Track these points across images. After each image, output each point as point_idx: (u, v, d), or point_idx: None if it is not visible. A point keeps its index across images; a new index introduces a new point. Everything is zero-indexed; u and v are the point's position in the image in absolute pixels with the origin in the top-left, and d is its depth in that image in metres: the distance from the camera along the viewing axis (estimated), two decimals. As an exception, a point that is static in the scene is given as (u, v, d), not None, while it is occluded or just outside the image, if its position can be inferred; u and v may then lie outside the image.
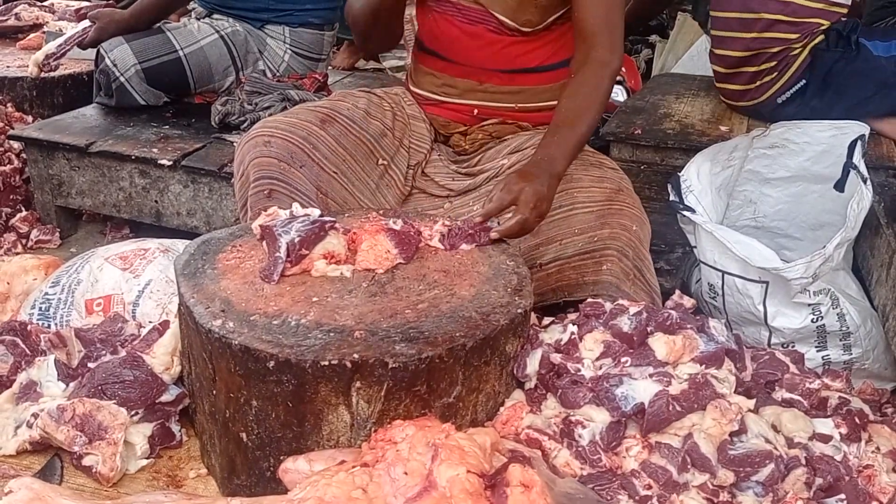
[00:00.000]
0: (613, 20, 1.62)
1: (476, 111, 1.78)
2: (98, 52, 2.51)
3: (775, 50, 2.42)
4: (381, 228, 1.39)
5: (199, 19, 2.70)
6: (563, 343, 1.33)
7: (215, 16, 2.70)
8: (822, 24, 2.38)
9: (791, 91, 2.45)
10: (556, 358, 1.28)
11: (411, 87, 1.87)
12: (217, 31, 2.61)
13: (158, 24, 2.63)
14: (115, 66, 2.47)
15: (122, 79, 2.48)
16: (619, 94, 3.41)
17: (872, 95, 2.33)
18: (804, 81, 2.41)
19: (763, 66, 2.47)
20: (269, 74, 2.68)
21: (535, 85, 1.75)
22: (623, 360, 1.26)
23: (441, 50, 1.76)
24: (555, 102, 1.77)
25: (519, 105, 1.77)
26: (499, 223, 1.45)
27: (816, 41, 2.38)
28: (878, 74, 2.31)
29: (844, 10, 2.40)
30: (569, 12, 1.66)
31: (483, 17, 1.69)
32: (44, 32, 3.19)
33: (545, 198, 1.45)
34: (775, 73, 2.45)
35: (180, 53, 2.54)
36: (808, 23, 2.39)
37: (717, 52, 2.62)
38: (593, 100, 1.59)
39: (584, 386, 1.24)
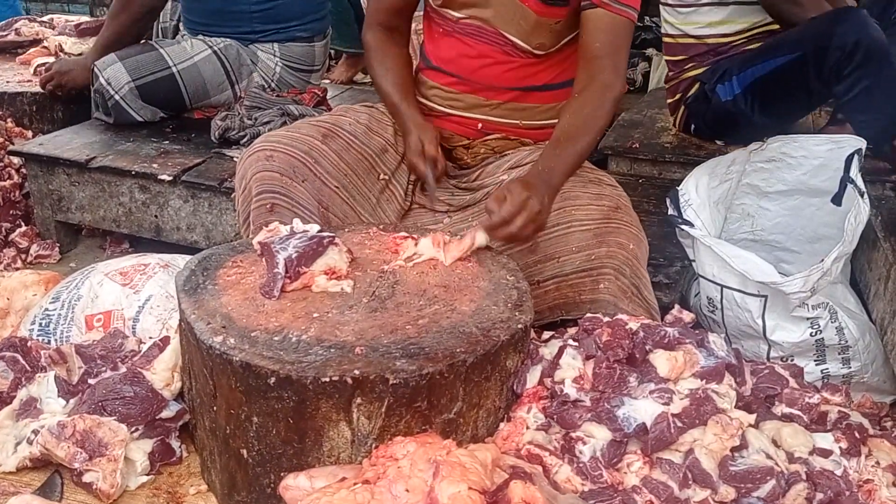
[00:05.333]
0: (618, 45, 1.63)
1: (480, 125, 1.79)
2: (93, 71, 2.53)
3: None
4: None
5: (193, 37, 2.72)
6: (553, 357, 1.33)
7: (200, 36, 2.71)
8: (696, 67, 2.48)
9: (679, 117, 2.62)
10: (548, 382, 1.29)
11: (417, 98, 1.88)
12: (210, 47, 2.62)
13: (151, 42, 2.65)
14: (109, 84, 2.48)
15: (116, 97, 2.49)
16: None
17: (730, 133, 2.42)
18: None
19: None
20: (264, 85, 2.70)
21: (541, 103, 1.76)
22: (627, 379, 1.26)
23: (448, 67, 1.77)
24: (553, 120, 1.78)
25: (524, 122, 1.78)
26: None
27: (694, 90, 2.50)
28: (726, 116, 2.40)
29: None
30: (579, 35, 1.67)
31: (494, 39, 1.71)
32: (44, 47, 3.21)
33: (545, 209, 1.47)
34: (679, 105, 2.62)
35: (174, 70, 2.55)
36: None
37: None
38: (595, 119, 1.60)
39: (582, 407, 1.24)
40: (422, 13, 1.88)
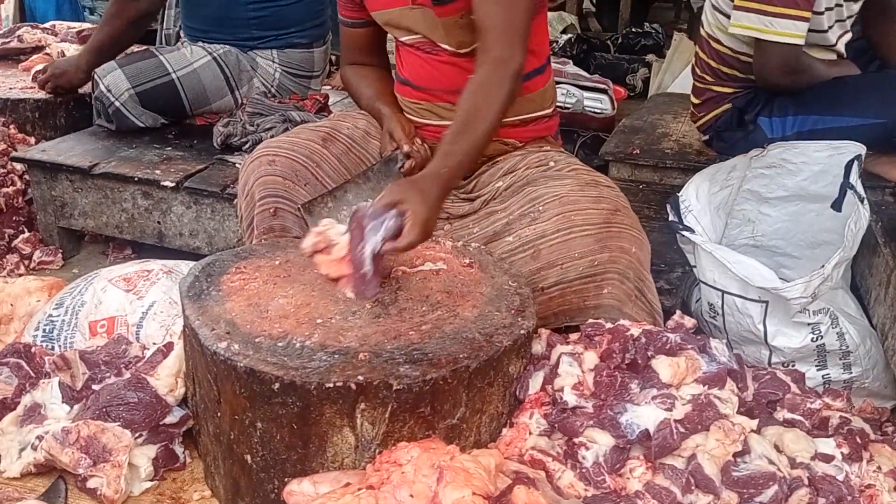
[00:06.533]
0: (512, 19, 1.56)
1: None
2: (93, 78, 2.54)
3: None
4: None
5: (192, 43, 2.73)
6: (551, 363, 1.33)
7: (199, 43, 2.73)
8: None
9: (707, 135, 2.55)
10: (549, 388, 1.29)
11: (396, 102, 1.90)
12: (209, 53, 2.63)
13: (151, 49, 2.66)
14: (109, 91, 2.49)
15: (117, 103, 2.50)
16: (603, 102, 3.45)
17: None
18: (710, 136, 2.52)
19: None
20: (265, 91, 2.71)
21: None
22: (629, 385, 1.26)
23: (412, 79, 1.80)
24: (533, 113, 1.80)
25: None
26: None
27: (721, 109, 2.43)
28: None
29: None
30: None
31: (432, 48, 1.73)
32: (46, 54, 3.22)
33: (431, 210, 1.39)
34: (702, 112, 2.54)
35: (173, 76, 2.56)
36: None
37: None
38: (493, 99, 1.53)
39: (583, 414, 1.24)
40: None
